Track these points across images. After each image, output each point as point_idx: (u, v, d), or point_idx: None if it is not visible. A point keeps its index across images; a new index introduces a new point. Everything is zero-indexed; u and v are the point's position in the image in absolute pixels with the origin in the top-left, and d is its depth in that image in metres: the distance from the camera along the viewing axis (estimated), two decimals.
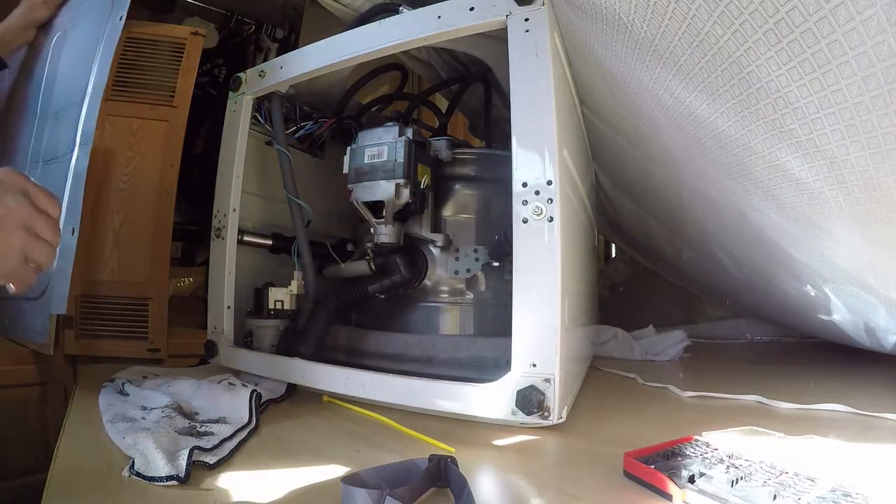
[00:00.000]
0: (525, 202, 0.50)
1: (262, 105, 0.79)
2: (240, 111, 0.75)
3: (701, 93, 0.47)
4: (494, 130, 0.89)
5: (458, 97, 0.84)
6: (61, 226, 0.46)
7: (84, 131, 0.69)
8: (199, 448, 0.45)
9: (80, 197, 0.65)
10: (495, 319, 0.68)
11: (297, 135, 0.81)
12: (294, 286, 0.74)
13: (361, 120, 0.86)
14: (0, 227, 0.39)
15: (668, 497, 0.35)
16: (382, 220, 0.63)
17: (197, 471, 0.42)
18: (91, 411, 0.59)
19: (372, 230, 0.65)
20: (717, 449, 0.42)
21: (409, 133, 0.62)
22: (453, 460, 0.38)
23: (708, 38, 0.40)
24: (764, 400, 0.60)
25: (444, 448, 0.47)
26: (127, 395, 0.63)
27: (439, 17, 0.57)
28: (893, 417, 0.52)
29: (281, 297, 0.73)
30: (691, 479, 0.35)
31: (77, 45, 0.77)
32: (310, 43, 0.70)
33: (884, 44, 0.31)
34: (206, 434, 0.50)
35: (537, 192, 0.50)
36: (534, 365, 0.49)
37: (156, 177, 0.97)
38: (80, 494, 0.40)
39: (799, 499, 0.32)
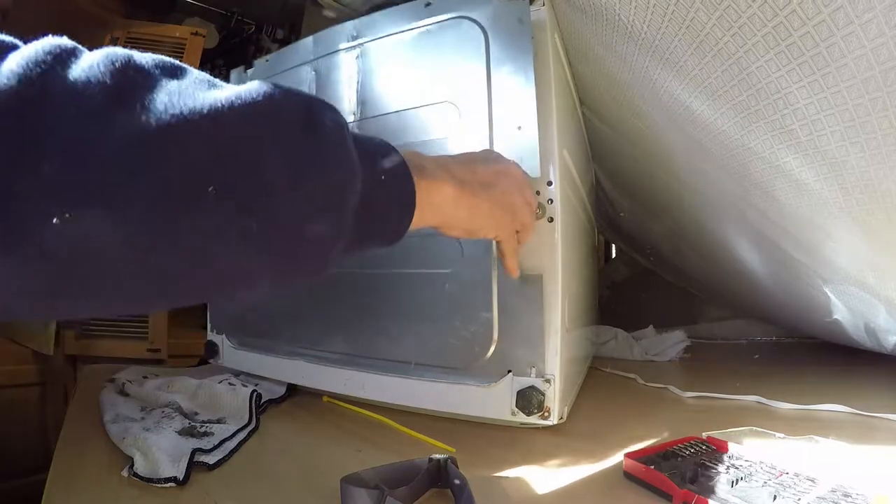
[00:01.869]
0: None
1: None
2: None
3: (701, 94, 0.47)
4: None
5: None
6: None
7: None
8: (200, 449, 0.45)
9: None
10: None
11: None
12: None
13: None
14: (517, 182, 0.42)
15: (668, 497, 0.35)
16: None
17: (196, 471, 0.43)
18: (91, 411, 0.59)
19: None
20: (716, 449, 0.42)
21: None
22: (453, 460, 0.38)
23: (707, 40, 0.40)
24: (764, 400, 0.60)
25: (444, 448, 0.47)
26: (127, 395, 0.63)
27: None
28: (893, 418, 0.52)
29: None
30: (691, 480, 0.35)
31: None
32: None
33: (883, 47, 0.31)
34: (206, 434, 0.50)
35: (538, 193, 0.50)
36: (534, 365, 0.49)
37: None
38: (80, 494, 0.40)
39: (799, 499, 0.32)
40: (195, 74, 0.22)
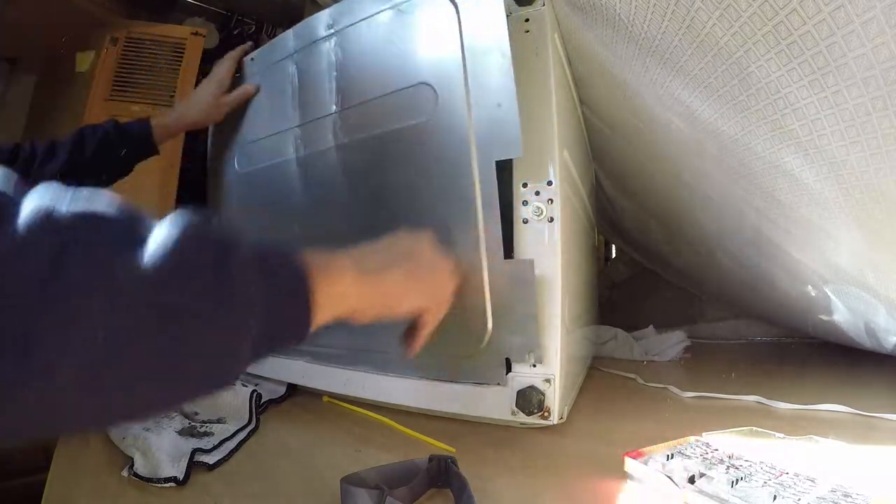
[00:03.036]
0: (525, 202, 0.50)
1: None
2: None
3: (701, 93, 0.47)
4: None
5: None
6: None
7: None
8: (200, 449, 0.45)
9: None
10: None
11: None
12: None
13: None
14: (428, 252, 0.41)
15: (669, 497, 0.35)
16: None
17: (196, 471, 0.43)
18: None
19: None
20: (717, 449, 0.42)
21: None
22: (453, 460, 0.38)
23: (708, 39, 0.40)
24: (764, 400, 0.60)
25: (444, 448, 0.47)
26: None
27: None
28: (893, 418, 0.52)
29: None
30: (691, 480, 0.35)
31: None
32: None
33: (883, 46, 0.31)
34: (206, 434, 0.50)
35: (537, 193, 0.50)
36: (534, 365, 0.49)
37: (156, 177, 0.97)
38: (80, 494, 0.40)
39: (799, 499, 0.32)
40: (116, 226, 0.23)
